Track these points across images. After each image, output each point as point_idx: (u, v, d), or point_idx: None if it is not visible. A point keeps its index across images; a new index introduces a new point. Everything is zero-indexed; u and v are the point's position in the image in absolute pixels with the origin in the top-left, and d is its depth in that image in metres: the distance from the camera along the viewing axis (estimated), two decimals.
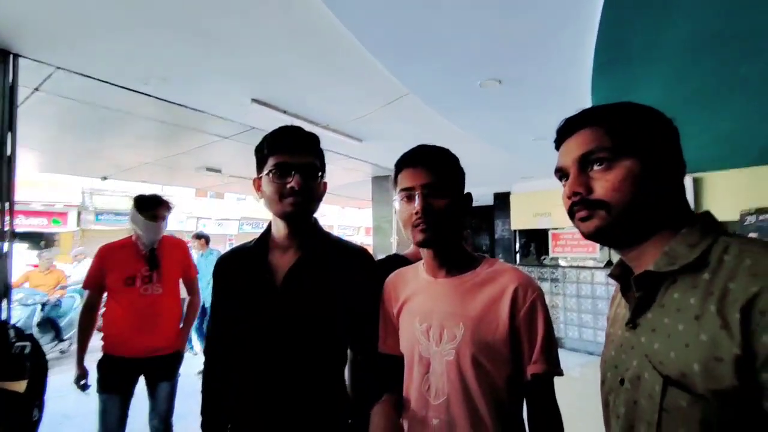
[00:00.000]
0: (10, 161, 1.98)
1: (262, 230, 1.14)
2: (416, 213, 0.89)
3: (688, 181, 3.90)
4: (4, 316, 1.82)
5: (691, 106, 2.23)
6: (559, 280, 5.38)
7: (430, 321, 0.92)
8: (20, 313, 4.78)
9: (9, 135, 1.99)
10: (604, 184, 0.61)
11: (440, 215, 0.89)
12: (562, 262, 5.50)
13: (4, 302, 1.86)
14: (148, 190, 2.16)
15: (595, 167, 0.62)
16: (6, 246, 1.90)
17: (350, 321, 1.08)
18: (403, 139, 3.40)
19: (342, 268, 1.07)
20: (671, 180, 0.61)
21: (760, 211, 3.42)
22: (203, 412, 1.08)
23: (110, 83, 2.33)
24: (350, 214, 19.60)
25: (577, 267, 5.26)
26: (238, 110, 2.76)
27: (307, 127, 3.13)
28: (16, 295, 4.92)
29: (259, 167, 1.06)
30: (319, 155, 1.09)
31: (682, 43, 1.60)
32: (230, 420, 1.05)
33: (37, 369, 1.02)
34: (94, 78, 2.27)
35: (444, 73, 2.11)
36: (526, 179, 5.40)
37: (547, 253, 5.66)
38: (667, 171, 0.60)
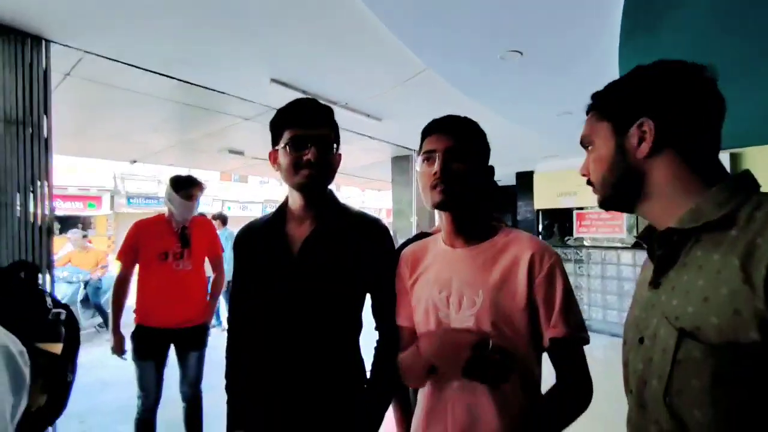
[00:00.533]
0: (47, 143, 2.09)
1: None
2: (435, 174, 0.91)
3: (724, 157, 3.70)
4: (47, 289, 1.96)
5: (726, 75, 2.09)
6: (583, 260, 5.28)
7: (450, 289, 0.93)
8: (66, 290, 5.10)
9: (45, 118, 2.09)
10: (588, 165, 0.72)
11: (459, 178, 0.91)
12: (587, 243, 5.38)
13: (47, 275, 2.00)
14: (177, 173, 2.26)
15: (589, 148, 0.73)
16: (47, 223, 2.02)
17: (367, 292, 1.11)
18: (423, 118, 3.33)
19: (358, 239, 1.09)
20: (685, 141, 0.60)
21: None
22: (227, 375, 1.14)
23: (134, 66, 2.39)
24: (371, 197, 19.68)
25: (603, 247, 5.14)
26: (258, 91, 2.79)
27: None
28: (61, 273, 5.25)
29: (275, 140, 1.08)
30: (334, 127, 1.10)
31: (715, 3, 1.50)
32: (249, 389, 1.09)
33: (70, 334, 1.10)
34: (119, 61, 2.34)
35: (462, 46, 2.06)
36: (550, 158, 5.26)
37: (570, 234, 5.54)
38: (674, 136, 0.60)
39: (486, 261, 0.92)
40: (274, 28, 2.04)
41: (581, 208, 5.37)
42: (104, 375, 3.63)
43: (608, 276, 5.05)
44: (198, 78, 2.63)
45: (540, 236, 6.04)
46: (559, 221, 5.78)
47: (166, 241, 2.03)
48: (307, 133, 1.02)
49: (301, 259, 1.05)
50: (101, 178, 13.02)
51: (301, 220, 1.10)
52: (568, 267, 5.41)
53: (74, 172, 11.88)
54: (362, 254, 1.07)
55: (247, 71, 2.54)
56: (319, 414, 1.02)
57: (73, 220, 12.07)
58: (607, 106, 0.68)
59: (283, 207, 1.14)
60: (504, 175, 6.46)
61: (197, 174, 2.89)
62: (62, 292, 5.08)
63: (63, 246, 6.01)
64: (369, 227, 1.13)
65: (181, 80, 2.61)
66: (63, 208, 12.17)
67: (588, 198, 5.22)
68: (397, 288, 1.04)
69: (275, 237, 1.09)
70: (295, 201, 1.10)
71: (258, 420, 1.06)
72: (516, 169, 6.18)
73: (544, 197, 5.73)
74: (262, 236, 1.12)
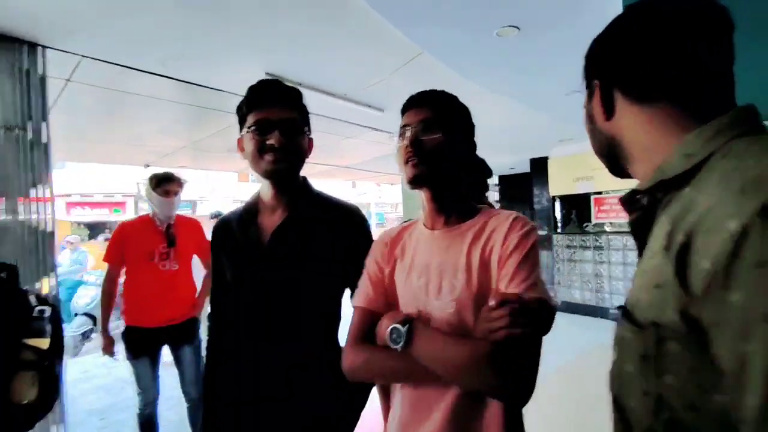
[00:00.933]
0: (47, 148, 2.12)
1: None
2: (406, 147, 0.85)
3: None
4: (45, 290, 1.99)
5: (748, 35, 1.91)
6: (603, 247, 5.08)
7: (429, 275, 0.87)
8: (95, 293, 5.28)
9: (44, 124, 2.12)
10: None
11: (435, 151, 0.84)
12: (607, 229, 5.17)
13: (52, 279, 2.04)
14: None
15: None
16: (50, 226, 2.06)
17: (345, 282, 1.06)
18: None
19: (334, 228, 1.04)
20: (652, 89, 0.51)
21: None
22: (204, 376, 1.11)
23: (130, 67, 2.41)
24: (387, 191, 19.66)
25: (625, 233, 4.92)
26: None
27: (325, 99, 3.07)
28: (89, 277, 5.45)
29: (241, 125, 1.04)
30: (302, 110, 1.05)
31: None
32: (225, 387, 1.06)
33: (56, 330, 1.12)
34: (115, 63, 2.36)
35: (456, 26, 1.97)
36: (564, 142, 5.06)
37: (589, 220, 5.33)
38: (631, 88, 0.53)
39: (466, 241, 0.85)
40: (263, 21, 2.00)
41: (599, 193, 5.16)
42: (124, 374, 3.74)
43: (630, 263, 4.84)
44: (194, 76, 2.63)
45: (557, 223, 5.85)
46: (577, 207, 5.58)
47: (152, 241, 2.03)
48: (271, 117, 0.98)
49: (272, 249, 1.01)
50: (125, 183, 13.47)
51: (273, 210, 1.06)
52: (587, 254, 5.22)
53: (99, 180, 12.29)
54: (339, 244, 1.03)
55: (242, 66, 2.52)
56: (295, 409, 0.98)
57: (100, 226, 12.53)
58: (588, 66, 0.62)
59: (256, 198, 1.11)
60: (518, 162, 6.28)
61: (213, 175, 2.90)
62: (91, 295, 5.26)
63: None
64: (346, 216, 1.08)
65: (178, 80, 2.62)
66: (90, 215, 12.66)
67: (606, 182, 5.00)
68: (371, 273, 0.98)
69: (247, 229, 1.06)
70: (266, 190, 1.06)
71: (232, 419, 1.03)
72: (530, 155, 5.99)
73: (560, 183, 5.54)
74: (235, 229, 1.09)
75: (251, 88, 1.02)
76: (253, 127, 0.98)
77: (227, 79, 2.70)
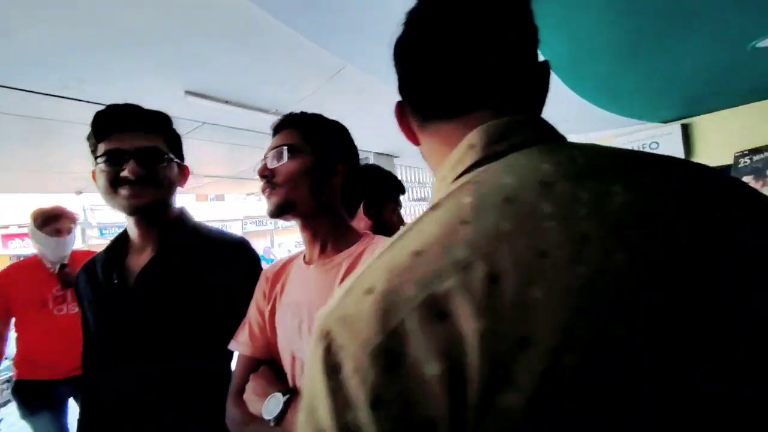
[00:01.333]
0: None
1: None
2: (260, 178, 0.79)
3: (675, 128, 3.63)
4: None
5: (651, 40, 1.99)
6: None
7: (302, 315, 0.79)
8: None
9: None
10: None
11: (287, 178, 0.78)
12: None
13: None
14: (41, 207, 2.02)
15: None
16: None
17: (230, 319, 0.97)
18: (364, 120, 3.23)
19: (215, 262, 0.95)
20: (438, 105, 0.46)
21: (754, 151, 3.15)
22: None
23: (29, 91, 2.21)
24: None
25: None
26: (177, 106, 2.61)
27: (256, 116, 2.93)
28: None
29: (94, 156, 0.93)
30: (166, 135, 0.96)
31: None
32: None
33: None
34: (9, 87, 2.15)
35: (375, 39, 1.92)
36: None
37: None
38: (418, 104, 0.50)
39: (339, 275, 0.78)
40: (174, 38, 1.89)
41: None
42: None
43: None
44: (106, 97, 2.44)
45: None
46: None
47: (42, 286, 1.81)
48: (124, 146, 0.88)
49: (139, 291, 0.89)
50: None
51: (141, 249, 0.95)
52: None
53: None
54: (219, 279, 0.93)
55: (158, 86, 2.37)
56: None
57: None
58: None
59: (124, 236, 0.99)
60: None
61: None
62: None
63: None
64: (228, 249, 0.98)
65: (87, 101, 2.43)
66: (30, 247, 11.72)
67: None
68: (248, 311, 0.89)
69: (111, 271, 0.94)
70: (131, 227, 0.95)
71: None
72: None
73: None
74: (98, 273, 0.97)
75: (97, 115, 0.92)
76: (103, 158, 0.87)
77: (144, 100, 2.51)
